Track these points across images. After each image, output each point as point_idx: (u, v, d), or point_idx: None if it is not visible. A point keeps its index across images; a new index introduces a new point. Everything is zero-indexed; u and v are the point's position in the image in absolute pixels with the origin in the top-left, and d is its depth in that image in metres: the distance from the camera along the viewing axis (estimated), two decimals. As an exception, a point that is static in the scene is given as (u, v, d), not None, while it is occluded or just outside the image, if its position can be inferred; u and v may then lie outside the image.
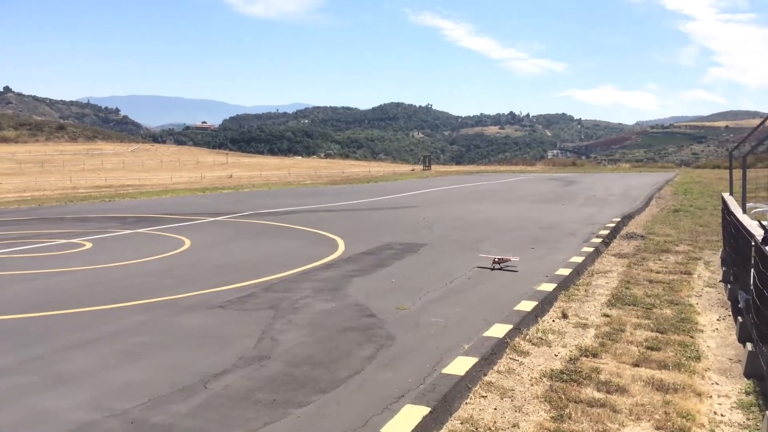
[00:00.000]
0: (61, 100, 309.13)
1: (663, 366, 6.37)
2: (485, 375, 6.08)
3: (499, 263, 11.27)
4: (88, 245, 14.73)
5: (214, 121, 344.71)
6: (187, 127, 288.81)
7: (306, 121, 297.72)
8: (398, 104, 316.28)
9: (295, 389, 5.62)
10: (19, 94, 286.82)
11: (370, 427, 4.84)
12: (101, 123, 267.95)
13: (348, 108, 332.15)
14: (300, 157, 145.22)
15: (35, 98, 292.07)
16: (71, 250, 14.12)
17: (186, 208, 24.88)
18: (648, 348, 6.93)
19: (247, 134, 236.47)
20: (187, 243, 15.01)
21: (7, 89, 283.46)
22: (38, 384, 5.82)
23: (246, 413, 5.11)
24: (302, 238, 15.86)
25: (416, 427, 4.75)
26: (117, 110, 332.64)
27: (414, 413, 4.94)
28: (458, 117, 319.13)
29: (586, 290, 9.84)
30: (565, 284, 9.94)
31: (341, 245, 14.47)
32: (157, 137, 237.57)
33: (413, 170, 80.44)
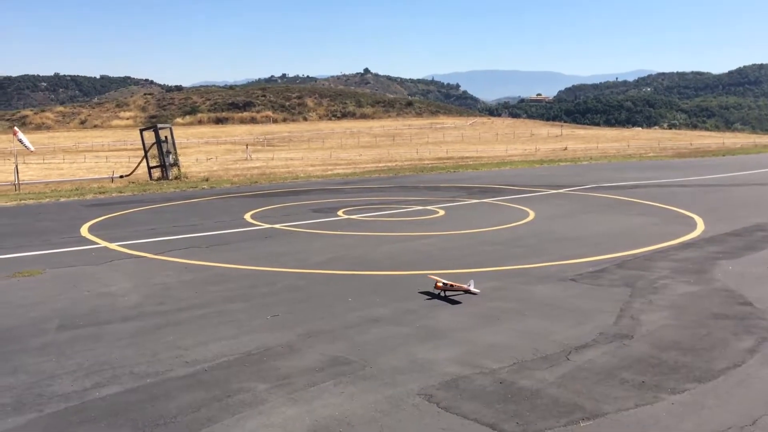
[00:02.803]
0: (410, 79, 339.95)
1: None
2: None
3: (443, 290, 7.85)
4: (441, 212, 15.89)
5: (549, 93, 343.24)
6: (522, 100, 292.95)
7: (648, 89, 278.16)
8: (762, 66, 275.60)
9: (665, 374, 5.27)
10: (376, 75, 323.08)
11: (761, 427, 4.30)
12: (443, 98, 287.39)
13: (698, 73, 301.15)
14: (640, 128, 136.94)
15: (388, 78, 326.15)
16: (427, 216, 15.39)
17: (525, 180, 25.26)
18: None
19: (582, 105, 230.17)
20: (532, 214, 15.22)
21: (366, 71, 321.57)
22: (413, 335, 6.40)
23: (613, 391, 4.95)
24: (653, 214, 14.88)
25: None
26: (457, 86, 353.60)
27: (822, 422, 4.25)
28: None
29: None
30: None
31: (700, 224, 13.20)
32: (492, 111, 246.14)
33: (779, 141, 69.78)
